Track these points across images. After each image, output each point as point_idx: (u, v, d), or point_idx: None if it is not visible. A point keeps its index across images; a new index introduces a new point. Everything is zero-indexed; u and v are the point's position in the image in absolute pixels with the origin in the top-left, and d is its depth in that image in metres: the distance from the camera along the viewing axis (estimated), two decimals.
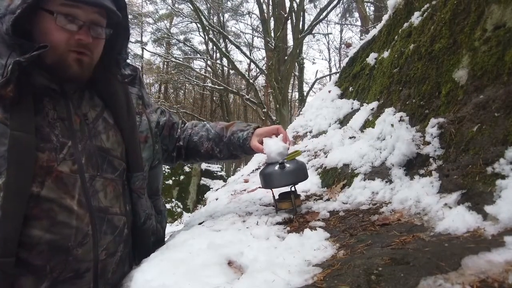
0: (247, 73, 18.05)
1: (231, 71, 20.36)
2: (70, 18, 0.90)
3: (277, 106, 11.62)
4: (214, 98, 23.33)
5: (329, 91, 2.99)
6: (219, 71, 20.30)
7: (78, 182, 0.95)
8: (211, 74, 19.89)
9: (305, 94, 14.77)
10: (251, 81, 12.56)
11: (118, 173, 1.09)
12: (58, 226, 0.90)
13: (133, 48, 24.69)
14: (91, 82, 1.07)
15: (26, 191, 0.85)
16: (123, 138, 1.11)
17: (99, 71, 1.07)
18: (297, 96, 17.29)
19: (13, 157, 0.82)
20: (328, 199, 1.67)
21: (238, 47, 12.84)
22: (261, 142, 1.41)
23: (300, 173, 1.52)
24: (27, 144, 0.85)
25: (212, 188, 11.31)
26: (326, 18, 12.68)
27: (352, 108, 2.45)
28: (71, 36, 0.91)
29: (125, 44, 1.15)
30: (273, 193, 1.61)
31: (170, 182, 11.01)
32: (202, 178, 13.65)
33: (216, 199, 2.35)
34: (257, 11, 14.30)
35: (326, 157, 2.08)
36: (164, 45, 21.09)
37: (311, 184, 1.94)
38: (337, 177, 1.82)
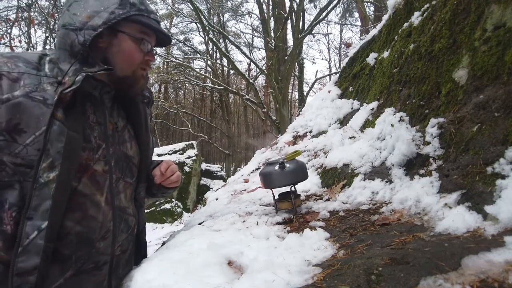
0: (247, 73, 18.04)
1: (231, 71, 20.35)
2: (146, 43, 1.09)
3: (277, 106, 11.62)
4: (214, 98, 23.32)
5: (329, 91, 2.99)
6: (219, 71, 20.29)
7: (107, 182, 1.05)
8: (211, 74, 19.88)
9: (305, 94, 14.77)
10: (251, 81, 12.55)
11: (135, 179, 1.20)
12: (88, 219, 0.99)
13: None
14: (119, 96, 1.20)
15: (71, 185, 0.94)
16: (139, 150, 1.23)
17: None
18: (297, 96, 17.30)
19: (67, 154, 0.91)
20: (328, 199, 1.67)
21: (238, 47, 12.83)
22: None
23: (300, 173, 1.52)
24: (78, 143, 0.96)
25: (212, 188, 11.31)
26: (326, 18, 12.68)
27: (352, 108, 2.45)
28: (144, 56, 1.10)
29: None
30: (273, 193, 1.61)
31: None
32: (202, 178, 13.64)
33: (216, 199, 2.35)
34: (257, 11, 14.31)
35: (326, 157, 2.08)
36: None
37: (311, 184, 1.94)
38: (337, 177, 1.82)
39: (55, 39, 1.08)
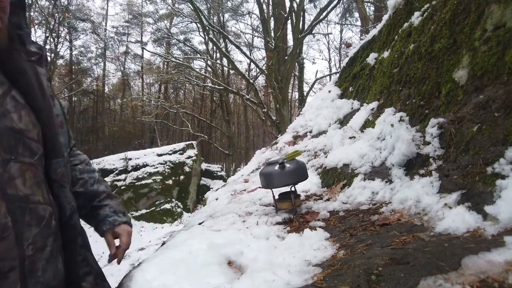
0: (247, 73, 18.03)
1: (231, 71, 20.36)
2: None
3: (277, 106, 11.62)
4: (214, 98, 23.32)
5: (329, 91, 2.99)
6: (219, 71, 20.29)
7: None
8: (211, 74, 19.87)
9: (305, 94, 14.77)
10: (251, 81, 12.55)
11: (38, 157, 0.95)
12: None
13: (133, 48, 24.78)
14: None
15: None
16: (38, 120, 0.97)
17: (2, 45, 0.93)
18: (297, 96, 17.30)
19: None
20: (328, 199, 1.67)
21: (238, 47, 12.83)
22: (116, 237, 1.22)
23: (300, 173, 1.52)
24: None
25: (212, 188, 11.31)
26: (326, 18, 12.68)
27: (352, 108, 2.45)
28: None
29: (22, 15, 1.02)
30: (273, 193, 1.61)
31: (170, 182, 11.00)
32: (202, 178, 13.65)
33: (216, 199, 2.35)
34: (257, 11, 14.31)
35: (326, 157, 2.08)
36: (164, 45, 21.11)
37: (311, 184, 1.94)
38: (337, 177, 1.82)
39: None
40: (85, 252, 1.07)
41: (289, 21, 12.58)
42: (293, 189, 1.59)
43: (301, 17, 12.37)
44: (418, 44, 1.65)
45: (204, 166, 14.18)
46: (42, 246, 0.91)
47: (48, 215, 0.94)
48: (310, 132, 2.86)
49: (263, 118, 13.56)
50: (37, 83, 0.99)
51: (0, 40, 0.88)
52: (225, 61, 18.08)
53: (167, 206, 10.55)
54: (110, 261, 1.12)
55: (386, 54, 2.12)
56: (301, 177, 1.53)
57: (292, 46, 12.26)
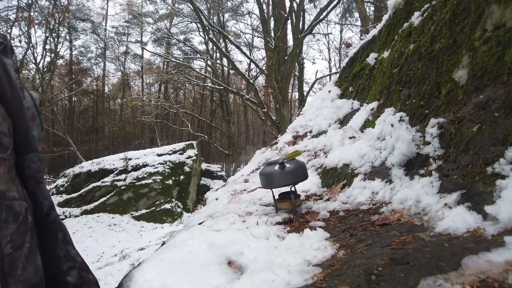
0: (247, 73, 18.04)
1: (231, 71, 20.36)
2: None
3: (277, 106, 11.62)
4: (214, 98, 23.32)
5: (329, 91, 2.99)
6: (219, 71, 20.29)
7: None
8: (211, 74, 19.87)
9: (305, 94, 14.77)
10: (251, 81, 12.55)
11: (10, 152, 0.93)
12: None
13: (133, 48, 24.79)
14: None
15: None
16: (8, 114, 0.95)
17: None
18: (297, 96, 17.30)
19: None
20: (328, 199, 1.67)
21: (238, 47, 12.82)
22: None
23: (300, 173, 1.52)
24: None
25: (212, 188, 11.31)
26: (326, 18, 12.68)
27: (352, 108, 2.45)
28: None
29: None
30: (273, 193, 1.61)
31: (170, 182, 10.99)
32: (202, 178, 13.65)
33: (216, 199, 2.35)
34: (257, 11, 14.31)
35: (326, 157, 2.08)
36: (164, 45, 21.12)
37: (311, 184, 1.94)
38: (337, 177, 1.82)
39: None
40: (66, 246, 1.05)
41: (289, 21, 12.58)
42: (293, 189, 1.59)
43: (301, 17, 12.37)
44: (418, 44, 1.65)
45: (204, 166, 14.18)
46: (20, 244, 0.89)
47: (24, 211, 0.92)
48: (310, 132, 2.87)
49: (263, 118, 13.57)
50: (4, 75, 0.94)
51: None
52: (225, 61, 18.08)
53: (167, 206, 10.55)
54: None
55: (386, 54, 2.12)
56: (301, 177, 1.53)
57: (292, 46, 12.26)
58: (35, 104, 1.06)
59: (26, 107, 1.00)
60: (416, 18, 1.77)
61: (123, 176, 10.68)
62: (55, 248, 1.00)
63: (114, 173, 10.87)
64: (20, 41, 11.19)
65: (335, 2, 11.10)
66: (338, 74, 3.16)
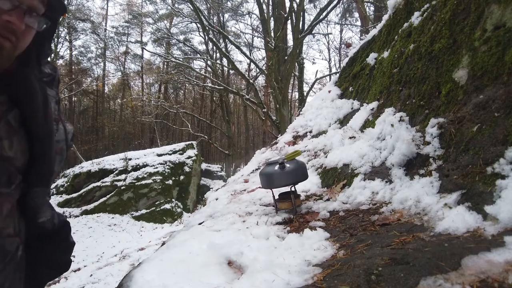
0: (247, 73, 18.05)
1: (231, 71, 20.37)
2: None
3: (277, 106, 11.62)
4: (214, 98, 23.33)
5: (329, 91, 2.99)
6: (219, 71, 20.29)
7: None
8: (211, 74, 19.87)
9: (305, 94, 14.78)
10: (251, 81, 12.55)
11: (15, 186, 0.89)
12: None
13: (133, 48, 24.79)
14: None
15: None
16: (33, 147, 0.93)
17: (14, 64, 0.87)
18: (297, 96, 17.31)
19: None
20: (328, 199, 1.67)
21: (238, 47, 12.83)
22: None
23: (300, 173, 1.53)
24: None
25: (212, 188, 11.31)
26: (326, 18, 12.69)
27: (352, 108, 2.45)
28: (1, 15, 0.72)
29: (49, 38, 0.97)
30: (273, 193, 1.61)
31: (170, 182, 11.00)
32: (202, 178, 13.65)
33: (216, 199, 2.35)
34: (257, 11, 14.31)
35: (326, 157, 2.08)
36: (164, 45, 21.13)
37: (311, 184, 1.94)
38: (337, 177, 1.82)
39: None
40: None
41: (289, 21, 12.58)
42: (293, 189, 1.59)
43: (301, 17, 12.38)
44: (418, 44, 1.65)
45: (204, 166, 14.19)
46: (1, 283, 0.83)
47: (14, 249, 0.88)
48: (310, 132, 2.87)
49: (263, 118, 13.57)
50: (43, 107, 0.92)
51: (9, 61, 0.82)
52: (225, 61, 18.09)
53: (167, 206, 10.55)
54: None
55: (386, 54, 2.12)
56: (301, 177, 1.53)
57: (292, 46, 12.27)
58: (66, 138, 1.04)
59: (56, 140, 0.98)
60: (416, 18, 1.77)
61: (123, 176, 10.69)
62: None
63: (114, 173, 10.87)
64: None
65: (335, 2, 11.11)
66: (338, 74, 3.16)
